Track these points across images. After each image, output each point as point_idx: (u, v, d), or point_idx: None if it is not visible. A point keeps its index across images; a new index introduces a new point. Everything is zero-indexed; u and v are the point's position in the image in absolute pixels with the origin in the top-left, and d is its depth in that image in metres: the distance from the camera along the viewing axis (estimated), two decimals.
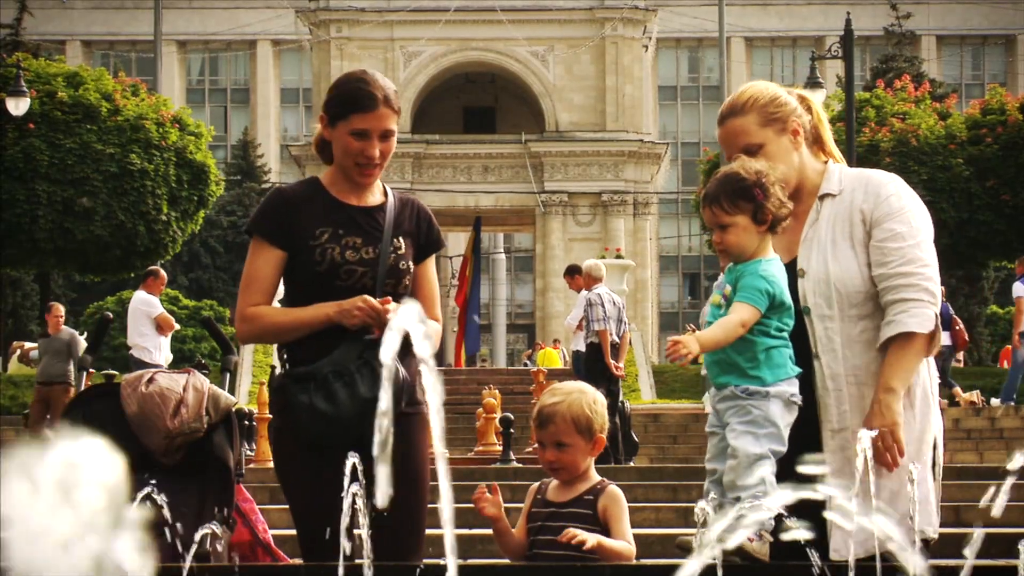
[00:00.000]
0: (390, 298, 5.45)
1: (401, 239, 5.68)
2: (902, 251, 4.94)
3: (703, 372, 5.82)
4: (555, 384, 5.68)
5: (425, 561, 5.35)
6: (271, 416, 5.86)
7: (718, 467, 4.79)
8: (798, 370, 4.84)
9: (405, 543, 5.50)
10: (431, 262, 5.86)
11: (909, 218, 5.00)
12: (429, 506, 5.60)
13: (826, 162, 5.19)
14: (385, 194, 5.78)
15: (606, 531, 5.31)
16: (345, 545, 4.36)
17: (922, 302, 4.89)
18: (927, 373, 5.09)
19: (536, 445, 5.56)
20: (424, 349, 3.24)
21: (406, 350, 3.64)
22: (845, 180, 5.10)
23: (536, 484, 5.53)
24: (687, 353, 4.69)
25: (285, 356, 5.62)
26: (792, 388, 4.81)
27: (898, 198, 5.02)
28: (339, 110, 5.63)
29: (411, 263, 5.68)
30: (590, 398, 5.45)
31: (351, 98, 5.60)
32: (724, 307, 4.84)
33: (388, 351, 3.22)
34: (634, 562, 5.40)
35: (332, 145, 5.69)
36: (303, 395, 5.43)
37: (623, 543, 5.25)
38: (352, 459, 4.24)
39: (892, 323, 4.88)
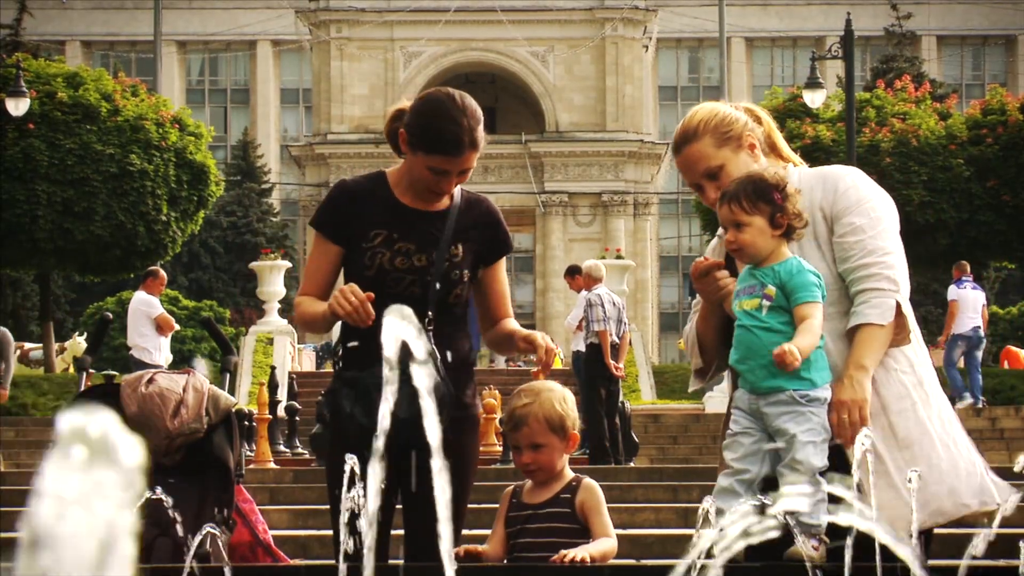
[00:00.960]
0: (372, 294, 5.25)
1: (460, 246, 5.52)
2: (862, 243, 4.94)
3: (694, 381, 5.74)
4: (521, 386, 5.57)
5: (423, 563, 5.35)
6: (320, 421, 5.81)
7: (751, 468, 4.73)
8: (831, 376, 4.85)
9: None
10: (501, 264, 5.73)
11: (868, 209, 5.00)
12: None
13: (785, 167, 5.19)
14: (452, 196, 5.59)
15: (585, 527, 5.29)
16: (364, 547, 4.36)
17: (883, 291, 4.89)
18: (922, 363, 5.10)
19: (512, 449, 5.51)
20: (419, 350, 3.24)
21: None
22: (804, 180, 5.09)
23: (511, 487, 5.50)
24: (797, 363, 4.67)
25: (340, 352, 5.53)
26: (830, 393, 4.81)
27: (856, 190, 5.01)
28: (422, 145, 5.41)
29: (467, 271, 5.53)
30: (559, 395, 5.43)
31: (438, 140, 5.38)
32: (766, 310, 4.80)
33: (390, 352, 3.22)
34: (633, 562, 5.39)
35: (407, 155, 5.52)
36: (346, 401, 5.38)
37: (604, 542, 5.22)
38: (350, 461, 4.24)
39: (854, 314, 4.89)
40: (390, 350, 3.23)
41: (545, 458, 5.34)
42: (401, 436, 5.14)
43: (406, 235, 5.48)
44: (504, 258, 5.74)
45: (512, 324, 5.70)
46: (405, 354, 5.37)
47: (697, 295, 5.35)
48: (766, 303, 4.80)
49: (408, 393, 5.24)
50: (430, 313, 5.40)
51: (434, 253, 5.47)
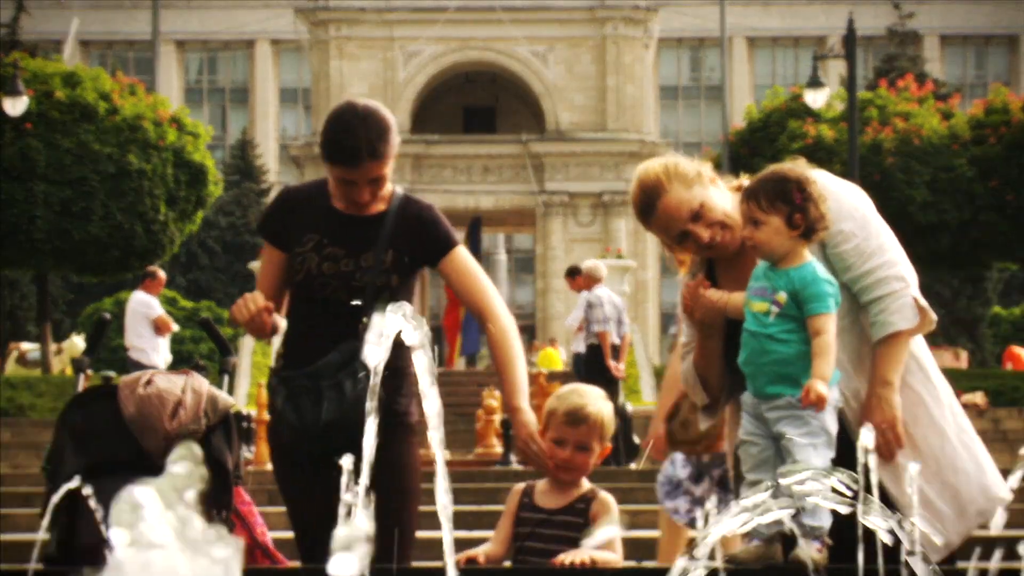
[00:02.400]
0: (272, 305, 5.38)
1: (389, 252, 5.48)
2: (858, 248, 4.90)
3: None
4: (576, 385, 5.56)
5: (426, 564, 5.29)
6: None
7: (764, 477, 4.64)
8: (840, 374, 4.79)
9: (391, 551, 5.40)
10: (454, 258, 5.58)
11: (851, 210, 4.95)
12: (431, 509, 5.52)
13: (738, 188, 5.12)
14: (389, 199, 5.56)
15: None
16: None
17: (896, 293, 4.86)
18: (923, 353, 5.04)
19: (550, 440, 5.41)
20: (414, 342, 3.21)
21: (392, 356, 3.63)
22: None
23: (521, 486, 5.42)
24: (824, 399, 4.61)
25: (280, 351, 5.58)
26: (836, 394, 4.76)
27: (832, 196, 4.92)
28: (325, 156, 5.43)
29: (395, 276, 5.50)
30: (609, 407, 5.45)
31: (335, 151, 5.37)
32: (774, 315, 4.74)
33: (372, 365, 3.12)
34: (634, 564, 5.34)
35: None
36: (279, 399, 5.47)
37: (607, 554, 5.11)
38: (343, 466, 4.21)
39: (877, 324, 4.86)
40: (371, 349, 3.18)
41: (583, 460, 5.31)
42: (327, 440, 5.21)
43: (336, 240, 5.48)
44: (455, 252, 5.58)
45: (503, 361, 5.64)
46: (337, 360, 5.37)
47: (677, 328, 5.29)
48: (775, 309, 4.75)
49: (336, 398, 5.31)
50: (364, 319, 5.32)
51: (360, 258, 5.46)
